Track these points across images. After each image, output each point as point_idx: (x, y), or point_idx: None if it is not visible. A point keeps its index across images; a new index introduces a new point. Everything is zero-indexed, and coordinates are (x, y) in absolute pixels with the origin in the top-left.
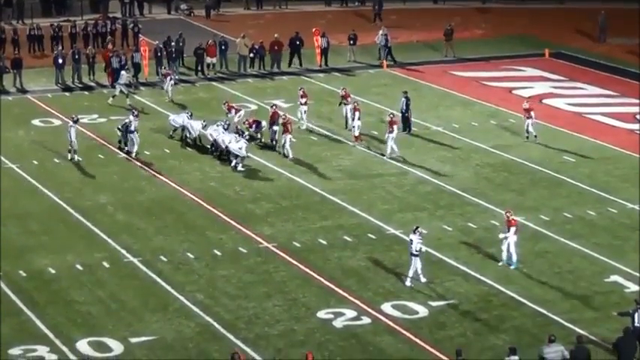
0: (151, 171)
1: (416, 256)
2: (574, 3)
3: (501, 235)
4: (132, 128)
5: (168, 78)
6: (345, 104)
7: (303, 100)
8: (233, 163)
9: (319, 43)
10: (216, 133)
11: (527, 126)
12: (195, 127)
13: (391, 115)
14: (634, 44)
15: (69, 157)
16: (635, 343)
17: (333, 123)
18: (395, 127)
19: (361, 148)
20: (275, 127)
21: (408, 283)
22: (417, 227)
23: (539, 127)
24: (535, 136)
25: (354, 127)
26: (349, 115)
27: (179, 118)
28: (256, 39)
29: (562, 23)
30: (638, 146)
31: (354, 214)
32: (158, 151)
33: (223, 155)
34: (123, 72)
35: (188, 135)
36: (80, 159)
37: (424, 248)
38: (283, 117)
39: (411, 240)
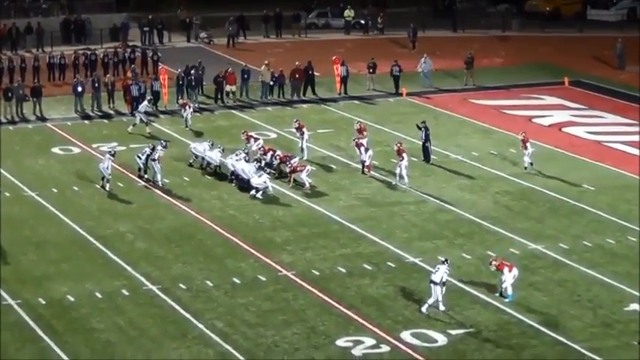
0: (170, 199)
1: (438, 284)
2: (593, 31)
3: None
4: (155, 157)
5: (187, 107)
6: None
7: (302, 131)
8: (252, 192)
9: (339, 71)
10: (237, 163)
11: (524, 156)
12: (215, 157)
13: (399, 144)
14: None
15: (107, 188)
16: None
17: (351, 151)
18: (404, 154)
19: (380, 176)
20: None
21: (424, 309)
22: (447, 260)
23: (558, 154)
24: (531, 164)
25: (364, 160)
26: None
27: (200, 147)
28: (276, 67)
29: (581, 51)
30: None
31: (373, 242)
32: (177, 179)
33: (244, 184)
34: (145, 102)
35: (209, 163)
36: (111, 189)
37: (447, 279)
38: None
39: (438, 269)
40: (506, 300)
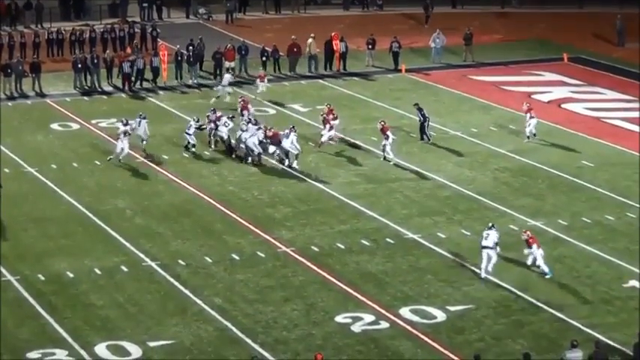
0: (169, 175)
1: (492, 249)
2: (593, 7)
3: (526, 251)
4: (190, 132)
5: (263, 79)
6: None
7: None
8: (287, 163)
9: (338, 47)
10: (249, 136)
11: (527, 127)
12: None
13: (382, 123)
14: None
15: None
16: None
17: (350, 128)
18: (388, 133)
19: (380, 153)
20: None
21: (483, 275)
22: (493, 224)
23: (558, 131)
24: (534, 135)
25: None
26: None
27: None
28: (276, 42)
29: (581, 27)
30: None
31: (372, 219)
32: (176, 155)
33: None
34: (227, 75)
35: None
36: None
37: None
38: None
39: (487, 235)
40: (547, 276)
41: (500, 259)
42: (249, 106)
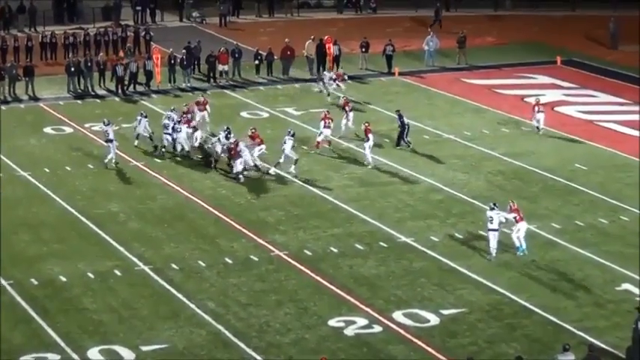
0: (162, 178)
1: (498, 230)
2: (586, 10)
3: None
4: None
5: (342, 79)
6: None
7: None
8: (271, 170)
9: (331, 50)
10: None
11: (539, 121)
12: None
13: (366, 124)
14: None
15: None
16: None
17: (344, 131)
18: (370, 135)
19: (374, 156)
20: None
21: (493, 255)
22: (495, 204)
23: (551, 134)
24: (538, 129)
25: (320, 132)
26: (343, 122)
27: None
28: (269, 45)
29: (574, 30)
30: None
31: (365, 222)
32: (170, 159)
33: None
34: (326, 72)
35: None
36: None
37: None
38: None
39: (491, 218)
40: (519, 253)
41: (494, 262)
42: (195, 108)
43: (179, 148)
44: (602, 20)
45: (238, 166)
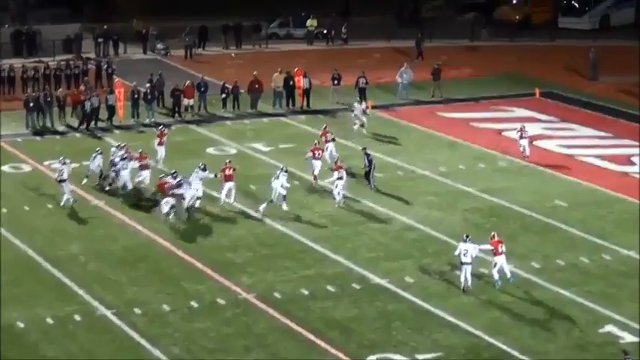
0: (123, 218)
1: (471, 264)
2: (564, 40)
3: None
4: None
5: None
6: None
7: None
8: (261, 209)
9: (301, 83)
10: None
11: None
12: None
13: (336, 161)
14: (626, 82)
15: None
16: None
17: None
18: (340, 172)
19: (345, 194)
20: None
21: (466, 288)
22: (468, 235)
23: (529, 169)
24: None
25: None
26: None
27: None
28: (235, 79)
29: (552, 61)
30: (631, 189)
31: (337, 263)
32: (131, 198)
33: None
34: (356, 104)
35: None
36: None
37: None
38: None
39: (466, 250)
40: (511, 281)
41: (471, 304)
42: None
43: (120, 184)
44: (581, 50)
45: (164, 206)
